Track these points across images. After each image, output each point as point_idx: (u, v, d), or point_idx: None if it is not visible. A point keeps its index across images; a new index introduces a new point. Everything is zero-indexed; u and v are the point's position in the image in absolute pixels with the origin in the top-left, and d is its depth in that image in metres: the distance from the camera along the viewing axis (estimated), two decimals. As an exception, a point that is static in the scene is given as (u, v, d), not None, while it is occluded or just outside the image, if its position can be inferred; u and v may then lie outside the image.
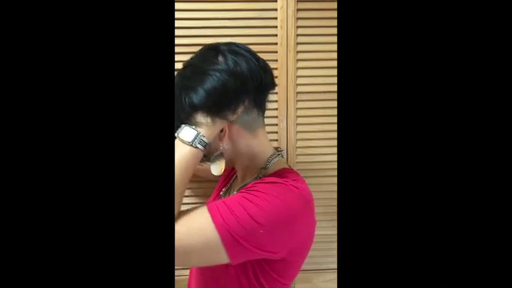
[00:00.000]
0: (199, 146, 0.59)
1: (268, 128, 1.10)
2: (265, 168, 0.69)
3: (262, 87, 0.65)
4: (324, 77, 1.08)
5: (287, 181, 0.62)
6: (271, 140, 1.09)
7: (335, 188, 1.12)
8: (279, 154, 0.72)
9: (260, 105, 0.68)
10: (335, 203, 1.14)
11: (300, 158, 1.11)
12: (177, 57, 0.91)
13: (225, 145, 0.66)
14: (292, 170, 0.70)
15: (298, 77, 1.08)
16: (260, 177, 0.68)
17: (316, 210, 1.14)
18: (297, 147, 1.11)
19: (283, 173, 0.67)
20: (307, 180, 1.15)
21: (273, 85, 0.69)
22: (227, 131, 0.65)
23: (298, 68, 1.08)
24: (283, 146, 1.10)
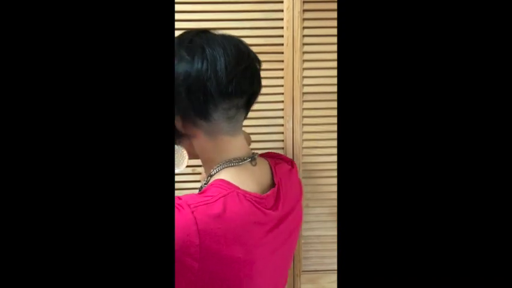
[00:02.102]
0: None
1: (274, 129, 1.10)
2: (211, 175, 0.62)
3: (212, 94, 0.57)
4: (330, 77, 1.07)
5: (189, 203, 0.52)
6: (277, 141, 1.10)
7: (341, 188, 1.12)
8: (241, 161, 0.61)
9: (223, 112, 0.59)
10: (341, 203, 1.14)
11: (306, 159, 1.11)
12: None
13: (183, 141, 0.63)
14: (228, 184, 0.57)
15: (304, 77, 1.08)
16: (204, 185, 0.63)
17: (322, 210, 1.15)
18: (303, 148, 1.11)
19: (212, 187, 0.58)
20: (313, 181, 1.16)
21: (238, 93, 0.58)
22: (180, 124, 0.61)
23: (304, 69, 1.08)
24: (289, 147, 1.11)
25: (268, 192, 0.61)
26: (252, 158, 0.63)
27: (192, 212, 0.51)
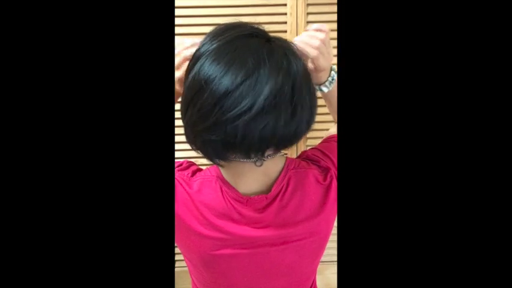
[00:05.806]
0: None
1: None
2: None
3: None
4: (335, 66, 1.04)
5: (182, 174, 0.61)
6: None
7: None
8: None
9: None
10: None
11: (311, 149, 1.09)
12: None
13: None
14: (215, 171, 0.60)
15: (308, 65, 1.05)
16: None
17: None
18: (308, 138, 1.09)
19: (204, 170, 0.63)
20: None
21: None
22: None
23: (308, 57, 1.05)
24: (293, 137, 1.09)
25: (259, 195, 0.59)
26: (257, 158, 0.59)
27: (181, 185, 0.59)
